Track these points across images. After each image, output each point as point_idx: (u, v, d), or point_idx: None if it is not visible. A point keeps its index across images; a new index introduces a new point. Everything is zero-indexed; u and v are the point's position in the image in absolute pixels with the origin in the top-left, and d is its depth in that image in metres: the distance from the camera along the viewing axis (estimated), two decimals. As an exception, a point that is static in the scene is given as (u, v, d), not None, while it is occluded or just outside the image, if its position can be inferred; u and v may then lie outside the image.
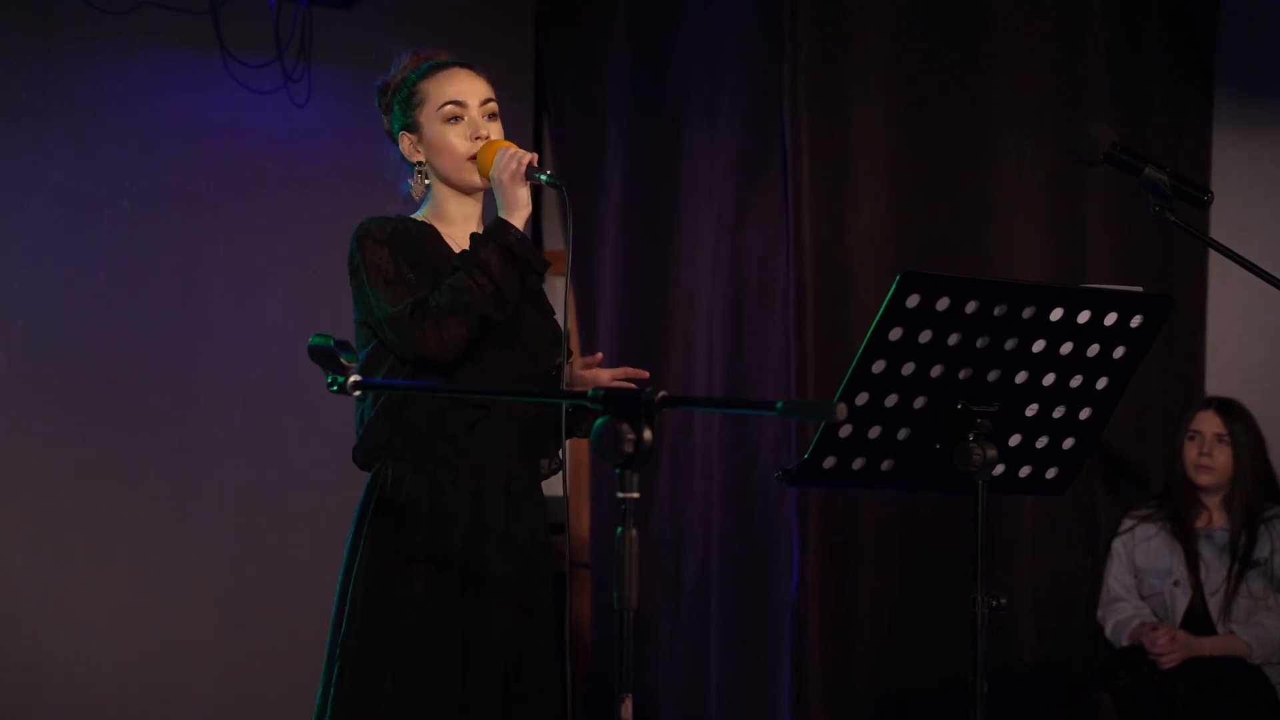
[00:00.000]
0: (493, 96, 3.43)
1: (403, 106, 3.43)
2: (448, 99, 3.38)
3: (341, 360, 2.80)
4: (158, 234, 5.17)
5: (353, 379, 2.80)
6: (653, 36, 5.54)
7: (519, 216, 3.30)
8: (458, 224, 3.42)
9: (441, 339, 3.20)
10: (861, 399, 2.97)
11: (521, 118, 5.78)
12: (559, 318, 3.47)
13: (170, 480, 5.17)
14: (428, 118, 3.39)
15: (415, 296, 3.23)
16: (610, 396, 2.45)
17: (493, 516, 3.33)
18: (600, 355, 3.52)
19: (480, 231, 3.35)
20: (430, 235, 3.37)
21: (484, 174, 3.34)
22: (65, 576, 5.02)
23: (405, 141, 3.43)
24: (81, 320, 5.08)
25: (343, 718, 3.24)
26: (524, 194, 3.30)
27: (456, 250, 3.35)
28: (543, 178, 3.28)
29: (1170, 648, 4.92)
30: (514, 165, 3.27)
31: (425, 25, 5.54)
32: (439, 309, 3.20)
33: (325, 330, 2.81)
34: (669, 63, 5.48)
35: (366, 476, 3.38)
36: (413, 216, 3.42)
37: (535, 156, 3.31)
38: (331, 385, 2.81)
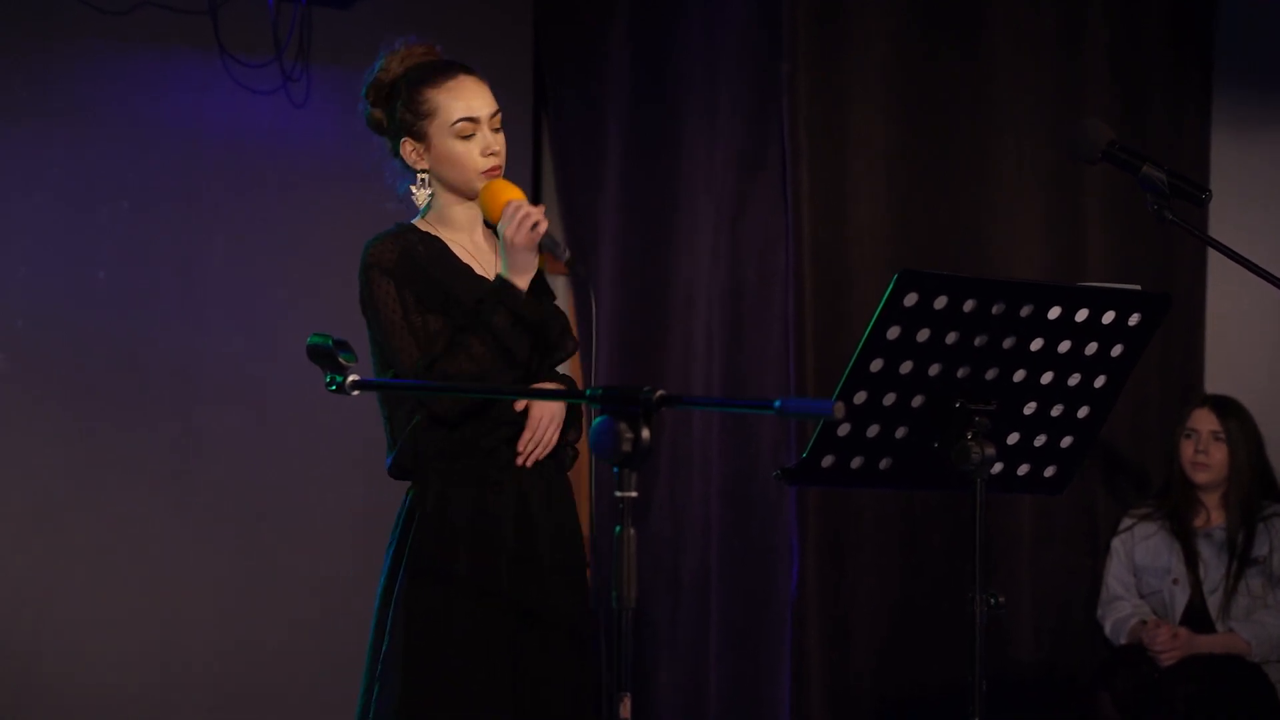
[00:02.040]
0: (499, 108, 3.40)
1: (407, 112, 3.37)
2: (461, 116, 3.34)
3: (340, 360, 2.80)
4: (157, 233, 5.17)
5: (351, 379, 2.80)
6: (652, 34, 5.54)
7: (525, 279, 3.28)
8: (463, 228, 3.41)
9: (450, 403, 3.24)
10: (860, 398, 2.97)
11: (521, 116, 5.77)
12: (566, 369, 3.45)
13: (170, 478, 5.17)
14: (438, 130, 3.35)
15: (430, 355, 3.21)
16: (609, 395, 2.45)
17: (540, 536, 3.33)
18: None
19: (488, 230, 3.34)
20: (436, 249, 3.35)
21: (487, 216, 3.31)
22: (65, 573, 5.02)
23: (408, 148, 3.38)
24: (81, 319, 5.08)
25: None
26: (534, 260, 3.28)
27: (463, 259, 3.35)
28: (561, 256, 3.25)
29: (1169, 646, 4.92)
30: (527, 231, 3.23)
31: (424, 24, 5.49)
32: (459, 378, 3.21)
33: (324, 329, 2.81)
34: (669, 60, 5.47)
35: (406, 492, 3.36)
36: (414, 223, 3.40)
37: (545, 219, 3.26)
38: (330, 384, 2.81)
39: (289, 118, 5.30)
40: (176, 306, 5.20)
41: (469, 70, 3.42)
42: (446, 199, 3.40)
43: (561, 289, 6.01)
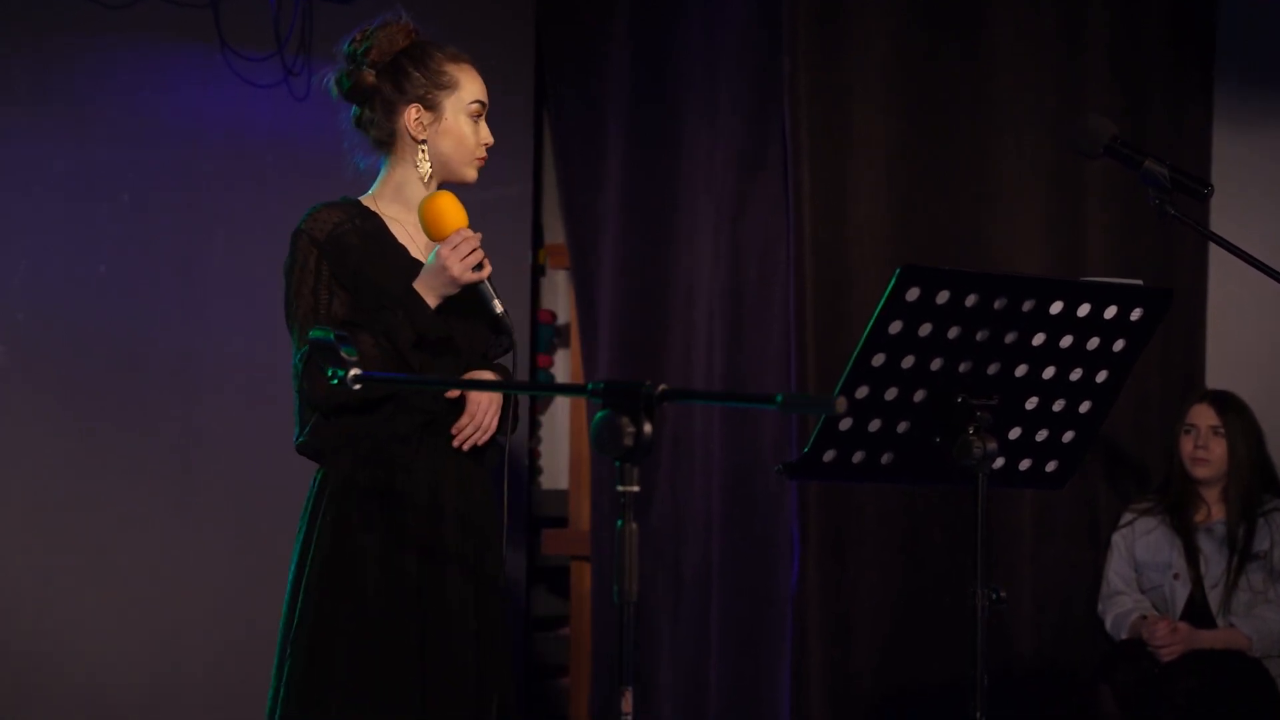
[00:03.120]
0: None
1: (425, 81, 3.39)
2: (477, 98, 3.41)
3: (342, 354, 2.80)
4: (158, 228, 5.17)
5: (353, 373, 2.80)
6: (653, 33, 5.54)
7: (437, 299, 3.26)
8: (413, 208, 3.38)
9: (327, 393, 3.26)
10: (861, 392, 2.97)
11: (522, 114, 5.77)
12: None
13: (170, 475, 5.16)
14: (453, 106, 3.39)
15: (312, 341, 3.20)
16: (610, 390, 2.45)
17: (448, 501, 3.34)
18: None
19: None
20: (375, 229, 3.35)
21: (427, 227, 3.27)
22: (65, 571, 5.02)
23: (414, 114, 3.38)
24: (81, 315, 5.08)
25: (295, 703, 3.24)
26: (459, 291, 3.26)
27: (401, 237, 3.35)
28: (494, 307, 3.24)
29: (1170, 640, 4.92)
30: (469, 269, 3.22)
31: (425, 20, 5.49)
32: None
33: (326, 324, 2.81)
34: (669, 59, 5.48)
35: (315, 472, 3.41)
36: (360, 199, 3.40)
37: (488, 264, 3.25)
38: (332, 379, 2.81)
39: (290, 112, 5.30)
40: (177, 301, 5.20)
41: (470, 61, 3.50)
42: (411, 176, 3.40)
43: (562, 283, 6.02)
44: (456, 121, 3.39)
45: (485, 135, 3.42)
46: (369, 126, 3.42)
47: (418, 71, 3.39)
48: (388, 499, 3.29)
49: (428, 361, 3.30)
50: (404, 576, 3.28)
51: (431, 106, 3.38)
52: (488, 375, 3.40)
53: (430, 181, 3.39)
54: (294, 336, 3.31)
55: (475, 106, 3.40)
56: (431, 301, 3.26)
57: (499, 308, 3.26)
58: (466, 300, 3.32)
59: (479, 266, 3.24)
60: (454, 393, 3.34)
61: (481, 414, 3.33)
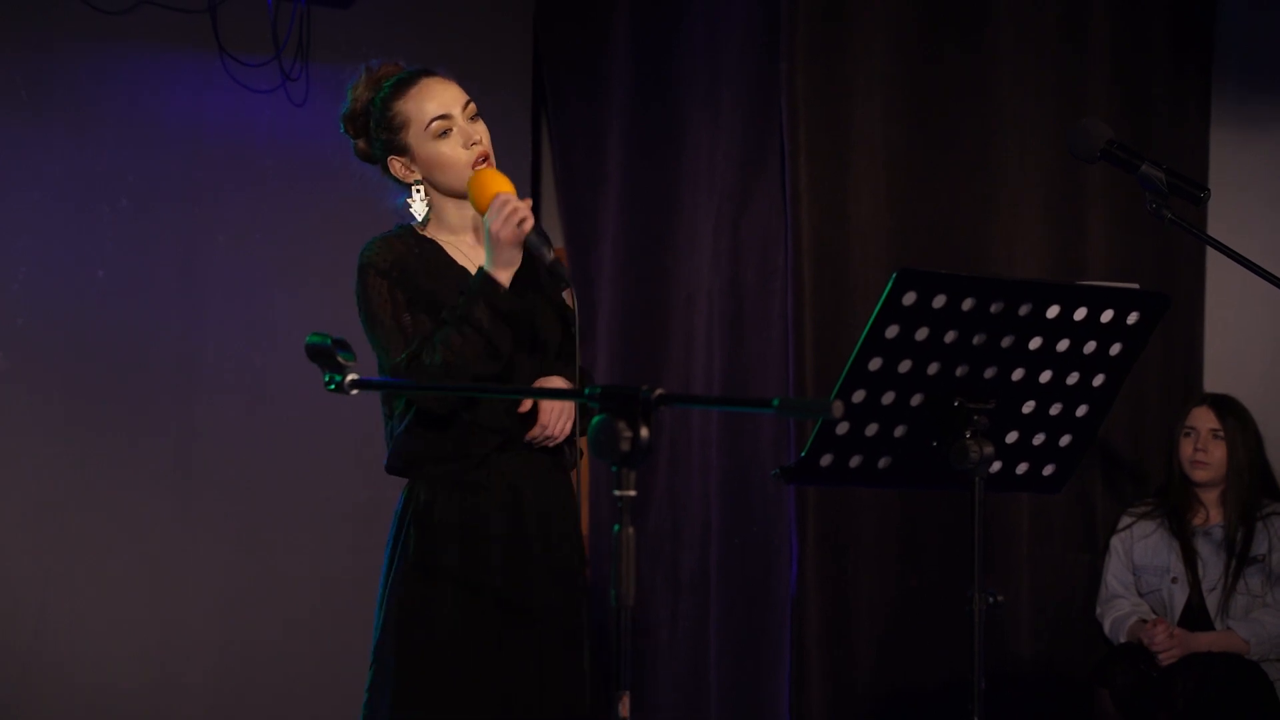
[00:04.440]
0: (469, 97, 3.39)
1: (383, 131, 3.37)
2: (433, 115, 3.34)
3: (339, 359, 2.80)
4: (157, 232, 5.18)
5: (350, 378, 2.80)
6: (653, 32, 5.54)
7: (508, 274, 3.25)
8: (459, 230, 3.40)
9: (437, 398, 3.22)
10: (858, 396, 2.97)
11: (521, 113, 5.78)
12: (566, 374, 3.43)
13: (170, 474, 5.17)
14: (416, 138, 3.35)
15: (410, 350, 3.21)
16: (607, 394, 2.45)
17: (532, 539, 3.32)
18: None
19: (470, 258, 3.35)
20: (433, 254, 3.35)
21: (475, 206, 3.28)
22: (66, 571, 5.03)
23: (396, 165, 3.38)
24: (81, 318, 5.08)
25: None
26: (518, 255, 3.25)
27: (460, 262, 3.35)
28: (544, 255, 3.23)
29: (1168, 644, 4.92)
30: (513, 227, 3.21)
31: (423, 22, 5.54)
32: (433, 368, 3.19)
33: (324, 328, 2.81)
34: (669, 56, 5.47)
35: (402, 490, 3.36)
36: (413, 226, 3.40)
37: (531, 215, 3.23)
38: (329, 384, 2.80)
39: (288, 116, 5.31)
40: (176, 304, 5.21)
41: (430, 72, 3.42)
42: (441, 203, 3.40)
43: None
44: (427, 150, 3.34)
45: (467, 136, 3.35)
46: (386, 175, 3.45)
47: (378, 128, 3.39)
48: (469, 516, 3.28)
49: (520, 359, 3.29)
50: (487, 594, 3.27)
51: (402, 151, 3.37)
52: (559, 382, 3.37)
53: (453, 200, 3.39)
54: (384, 363, 3.28)
55: (436, 124, 3.34)
56: (503, 279, 3.24)
57: (550, 255, 3.24)
58: (535, 299, 3.34)
59: (522, 223, 3.23)
60: (525, 405, 3.32)
61: (553, 422, 3.32)
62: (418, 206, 3.39)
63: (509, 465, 3.32)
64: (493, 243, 3.23)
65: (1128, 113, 5.38)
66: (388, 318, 3.26)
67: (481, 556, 3.28)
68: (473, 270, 3.35)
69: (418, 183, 3.38)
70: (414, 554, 3.28)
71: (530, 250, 3.25)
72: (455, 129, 3.35)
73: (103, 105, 5.12)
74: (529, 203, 3.25)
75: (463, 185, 3.34)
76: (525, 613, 3.29)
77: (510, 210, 3.22)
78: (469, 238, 3.41)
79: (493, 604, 3.28)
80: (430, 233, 3.40)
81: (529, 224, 3.23)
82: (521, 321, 3.29)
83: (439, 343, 3.21)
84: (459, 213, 3.40)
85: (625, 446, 2.40)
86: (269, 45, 5.28)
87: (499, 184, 3.27)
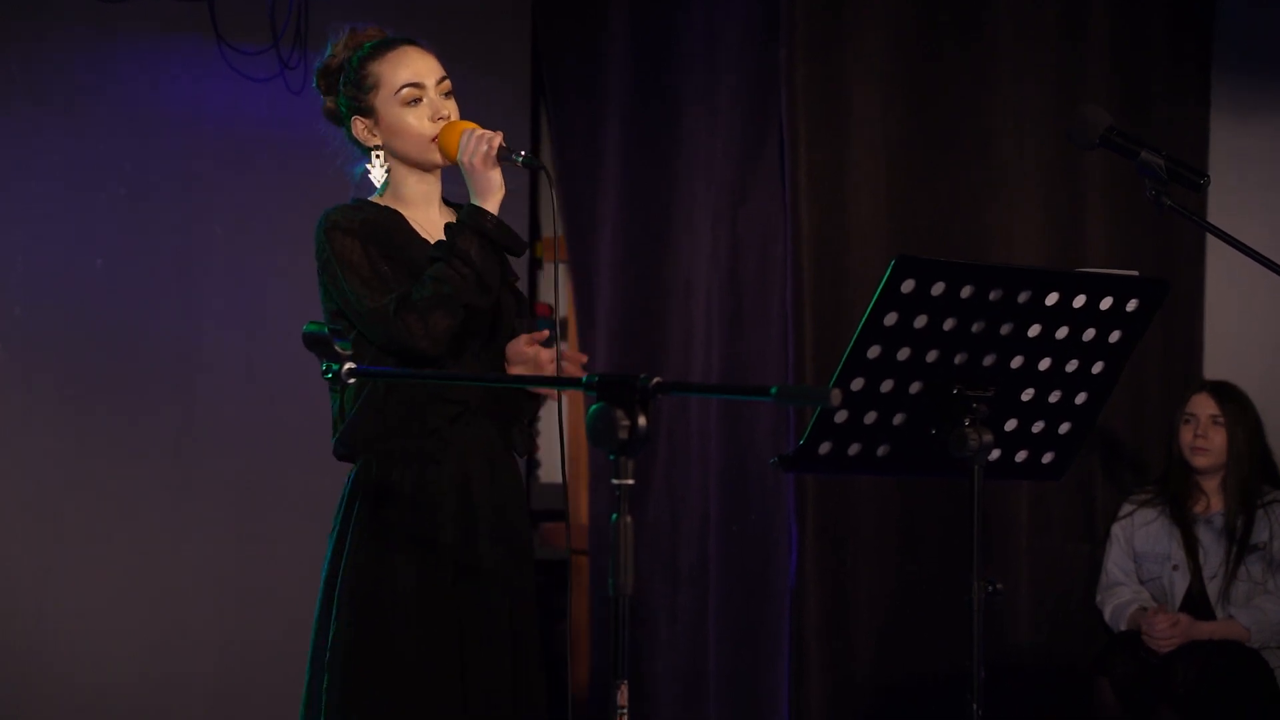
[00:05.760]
0: (446, 74, 3.36)
1: (352, 89, 3.34)
2: (405, 82, 3.31)
3: (336, 348, 2.80)
4: (154, 220, 5.18)
5: (347, 366, 2.80)
6: (652, 24, 5.53)
7: (493, 201, 3.24)
8: (419, 205, 3.36)
9: (428, 331, 3.17)
10: (857, 384, 2.97)
11: (519, 104, 5.77)
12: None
13: (168, 466, 5.17)
14: (384, 102, 3.31)
15: (398, 291, 3.19)
16: (605, 382, 2.44)
17: (480, 506, 3.31)
18: (545, 333, 3.42)
19: (444, 207, 3.34)
20: (395, 221, 3.32)
21: (448, 157, 3.28)
22: (63, 562, 5.03)
23: (359, 126, 3.34)
24: (79, 307, 5.08)
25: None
26: (496, 177, 3.24)
27: (421, 234, 3.32)
28: (517, 159, 3.23)
29: (1169, 632, 4.92)
30: (484, 148, 3.21)
31: (421, 12, 5.53)
32: (423, 301, 3.16)
33: (321, 317, 2.80)
34: (668, 49, 5.47)
35: (350, 469, 3.33)
36: (372, 200, 3.37)
37: (502, 136, 3.24)
38: (326, 373, 2.80)
39: (286, 105, 5.30)
40: (174, 294, 5.20)
41: (413, 41, 3.39)
42: (402, 173, 3.36)
43: (562, 275, 6.01)
44: (392, 115, 3.31)
45: (435, 109, 3.31)
46: (350, 140, 3.42)
47: (347, 84, 3.35)
48: (419, 498, 3.26)
49: (494, 270, 3.27)
50: (440, 587, 3.26)
51: (368, 112, 3.33)
52: (522, 344, 3.38)
53: (414, 172, 3.36)
54: (365, 312, 3.20)
55: (406, 91, 3.30)
56: (489, 206, 3.23)
57: (523, 154, 3.24)
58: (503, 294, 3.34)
59: (490, 143, 3.22)
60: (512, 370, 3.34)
61: (468, 147, 3.27)
62: (377, 173, 3.35)
63: (459, 437, 3.29)
64: (469, 173, 3.24)
65: (1127, 108, 5.37)
66: (365, 269, 3.22)
67: (433, 523, 3.26)
68: (433, 243, 3.32)
69: (377, 148, 3.35)
70: (366, 521, 3.25)
71: (505, 161, 3.24)
72: (426, 100, 3.32)
73: (99, 93, 5.12)
74: (500, 134, 3.24)
75: (422, 156, 3.31)
76: (476, 572, 3.28)
77: (476, 138, 3.22)
78: (432, 212, 3.37)
79: (447, 564, 3.26)
80: (388, 203, 3.37)
81: (498, 140, 3.23)
82: (502, 257, 3.28)
83: (428, 278, 3.19)
84: (420, 185, 3.36)
85: (623, 435, 2.40)
86: (267, 33, 5.27)
87: (462, 125, 3.28)
